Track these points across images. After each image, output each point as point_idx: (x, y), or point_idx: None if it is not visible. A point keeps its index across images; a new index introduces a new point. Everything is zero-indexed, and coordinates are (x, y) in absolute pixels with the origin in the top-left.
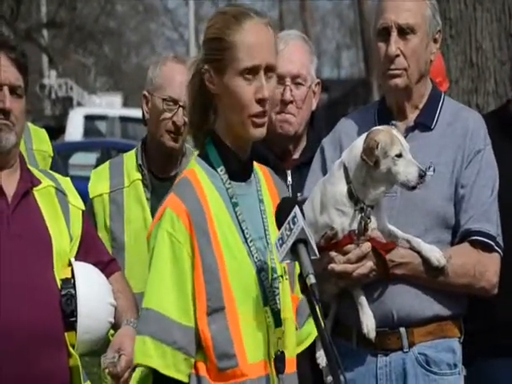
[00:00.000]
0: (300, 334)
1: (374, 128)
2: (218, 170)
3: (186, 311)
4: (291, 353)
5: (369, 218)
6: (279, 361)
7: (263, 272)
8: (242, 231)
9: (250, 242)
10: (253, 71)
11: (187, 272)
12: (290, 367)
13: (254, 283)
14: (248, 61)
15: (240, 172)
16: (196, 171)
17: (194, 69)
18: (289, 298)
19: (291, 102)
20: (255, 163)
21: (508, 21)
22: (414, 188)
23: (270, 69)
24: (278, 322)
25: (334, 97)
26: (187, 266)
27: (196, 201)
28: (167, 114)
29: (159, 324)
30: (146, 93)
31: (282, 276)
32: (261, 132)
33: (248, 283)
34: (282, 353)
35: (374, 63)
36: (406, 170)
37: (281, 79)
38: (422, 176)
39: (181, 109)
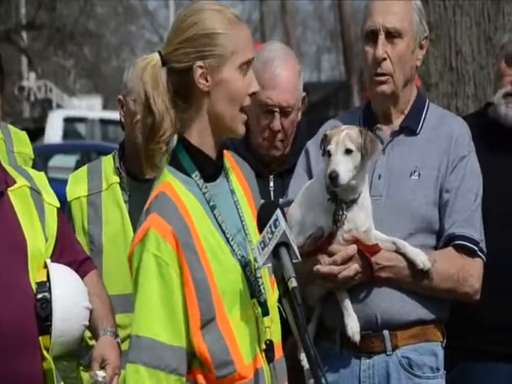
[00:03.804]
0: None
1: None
2: (193, 175)
3: (176, 332)
4: (278, 338)
5: (343, 213)
6: (269, 350)
7: (248, 267)
8: (223, 232)
9: (232, 240)
10: (247, 65)
11: (177, 292)
12: (278, 352)
13: (240, 282)
14: (246, 54)
15: (213, 173)
16: (171, 183)
17: (176, 68)
18: (268, 281)
19: (279, 130)
20: None
21: (487, 25)
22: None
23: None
24: (266, 311)
25: (314, 100)
26: (176, 285)
27: (179, 218)
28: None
29: (151, 351)
30: (120, 97)
31: None
32: (244, 130)
33: (235, 284)
34: (271, 341)
35: (353, 66)
36: (327, 169)
37: (271, 109)
38: (331, 177)
39: None
